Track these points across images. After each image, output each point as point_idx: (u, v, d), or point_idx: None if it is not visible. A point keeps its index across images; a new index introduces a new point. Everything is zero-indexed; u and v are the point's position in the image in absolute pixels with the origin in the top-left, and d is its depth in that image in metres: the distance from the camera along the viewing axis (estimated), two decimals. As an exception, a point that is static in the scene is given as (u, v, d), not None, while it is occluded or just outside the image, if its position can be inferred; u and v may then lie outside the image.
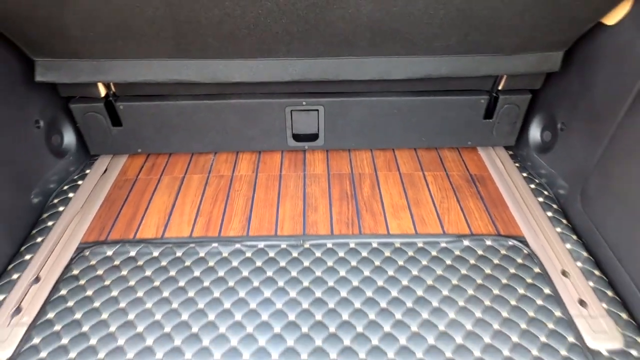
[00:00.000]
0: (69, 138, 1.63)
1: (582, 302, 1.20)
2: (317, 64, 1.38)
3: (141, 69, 1.38)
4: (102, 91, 1.53)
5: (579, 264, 1.31)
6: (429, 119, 1.65)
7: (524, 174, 1.65)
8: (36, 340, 1.10)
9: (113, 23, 1.19)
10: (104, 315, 1.16)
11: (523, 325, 1.14)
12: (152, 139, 1.66)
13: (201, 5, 1.12)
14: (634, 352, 1.09)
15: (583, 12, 1.20)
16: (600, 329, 1.13)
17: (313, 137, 1.69)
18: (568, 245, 1.36)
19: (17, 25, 1.21)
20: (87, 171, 1.66)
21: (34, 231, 1.41)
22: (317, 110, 1.61)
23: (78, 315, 1.16)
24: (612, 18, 1.25)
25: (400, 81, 1.48)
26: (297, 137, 1.68)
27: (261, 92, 1.56)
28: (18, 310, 1.17)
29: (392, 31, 1.22)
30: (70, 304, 1.19)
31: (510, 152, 1.76)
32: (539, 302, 1.19)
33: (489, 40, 1.30)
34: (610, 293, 1.22)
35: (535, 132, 1.66)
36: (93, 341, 1.10)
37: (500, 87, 1.57)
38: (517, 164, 1.70)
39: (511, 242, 1.37)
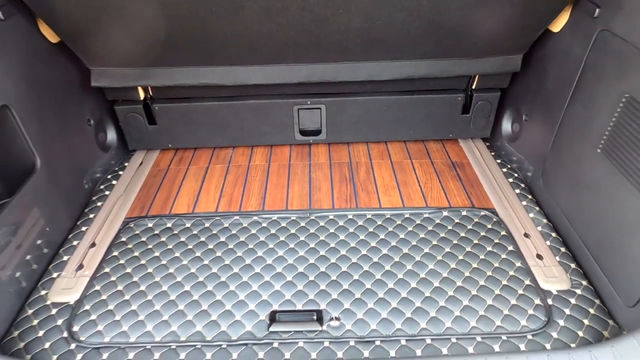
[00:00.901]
0: (111, 135, 1.94)
1: (539, 256, 1.46)
2: (319, 69, 1.68)
3: (176, 74, 1.68)
4: (142, 94, 1.83)
5: (539, 228, 1.57)
6: (415, 114, 1.93)
7: (498, 161, 1.93)
8: (97, 287, 1.38)
9: (157, 38, 1.49)
10: (150, 270, 1.43)
11: (489, 273, 1.40)
12: (181, 135, 1.96)
13: (226, 22, 1.42)
14: (577, 291, 1.34)
15: (531, 21, 1.49)
16: (552, 275, 1.39)
17: (317, 132, 1.98)
18: (531, 215, 1.63)
19: (80, 41, 1.52)
20: (126, 164, 1.96)
21: (86, 210, 1.70)
22: (320, 108, 1.91)
23: (129, 270, 1.44)
24: (557, 26, 1.54)
25: (389, 81, 1.77)
26: (303, 132, 1.98)
27: (273, 94, 1.86)
28: (80, 266, 1.45)
29: (378, 40, 1.52)
30: (122, 261, 1.47)
31: (487, 143, 2.04)
32: (503, 256, 1.46)
33: (459, 45, 1.60)
34: (563, 249, 1.48)
35: (506, 125, 1.94)
36: (142, 287, 1.37)
37: (473, 86, 1.86)
38: (492, 153, 1.98)
39: (483, 213, 1.63)
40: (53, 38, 1.53)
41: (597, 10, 1.34)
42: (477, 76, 1.82)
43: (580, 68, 1.42)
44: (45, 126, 1.49)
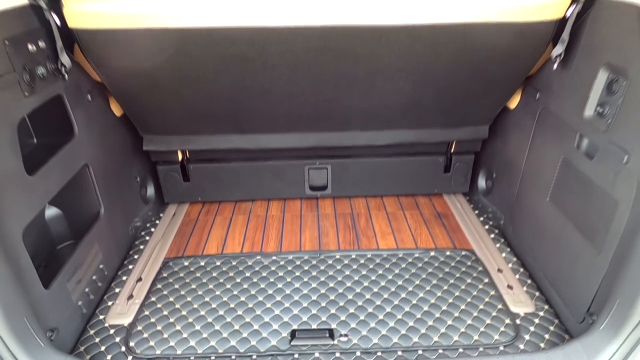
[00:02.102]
0: (151, 190, 2.30)
1: (509, 287, 1.77)
2: (326, 136, 2.09)
3: (210, 140, 2.08)
4: (180, 156, 2.22)
5: (510, 265, 1.90)
6: (406, 173, 2.32)
7: (476, 211, 2.29)
8: (146, 312, 1.66)
9: (198, 114, 1.91)
10: (189, 298, 1.73)
11: (468, 299, 1.70)
12: (209, 190, 2.32)
13: (255, 101, 1.84)
14: (540, 313, 1.64)
15: (491, 101, 1.93)
16: (519, 300, 1.70)
17: (323, 187, 2.36)
18: (503, 254, 1.96)
19: (138, 115, 1.93)
20: (161, 215, 2.30)
21: (131, 252, 2.01)
22: (326, 168, 2.30)
23: (171, 299, 1.73)
24: (512, 104, 1.98)
25: (383, 146, 2.17)
26: (312, 188, 2.35)
27: (287, 156, 2.25)
28: (131, 296, 1.75)
29: (373, 114, 1.94)
30: (165, 292, 1.76)
31: (467, 197, 2.41)
32: (480, 286, 1.77)
33: (437, 118, 2.02)
34: (529, 281, 1.80)
35: (481, 181, 2.33)
36: (184, 312, 1.66)
37: (452, 150, 2.27)
38: (471, 205, 2.35)
39: (464, 253, 1.97)
40: (118, 112, 1.95)
41: (538, 93, 1.78)
42: (454, 142, 2.23)
43: (530, 136, 1.83)
44: (109, 181, 1.85)
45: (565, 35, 1.50)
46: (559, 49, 1.52)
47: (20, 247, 1.28)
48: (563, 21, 1.50)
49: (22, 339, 1.21)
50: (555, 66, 1.58)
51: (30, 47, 1.37)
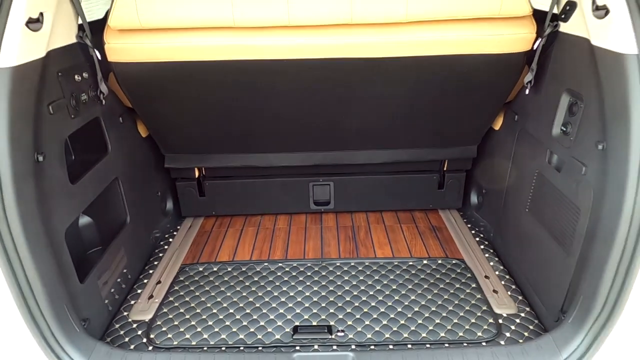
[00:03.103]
0: (169, 205, 2.53)
1: (495, 291, 1.93)
2: (329, 155, 2.30)
3: (225, 159, 2.31)
4: (197, 173, 2.46)
5: (497, 272, 2.06)
6: (403, 190, 2.52)
7: (469, 225, 2.46)
8: (165, 310, 1.86)
9: (214, 135, 2.15)
10: (203, 299, 1.92)
11: (456, 302, 1.87)
12: (222, 205, 2.54)
13: (267, 125, 2.08)
14: (522, 314, 1.80)
15: (477, 124, 2.14)
16: (503, 303, 1.85)
17: (327, 203, 2.56)
18: (491, 263, 2.12)
19: (162, 136, 2.18)
20: (178, 227, 2.52)
21: (151, 259, 2.23)
22: (329, 185, 2.51)
23: (187, 299, 1.93)
24: (497, 126, 2.18)
25: (381, 164, 2.38)
26: (316, 203, 2.56)
27: (293, 173, 2.47)
28: (151, 296, 1.95)
29: (371, 135, 2.16)
30: (182, 293, 1.96)
31: (461, 212, 2.59)
32: (467, 290, 1.93)
33: (429, 139, 2.23)
34: (513, 287, 1.96)
35: (473, 197, 2.51)
36: (198, 310, 1.85)
37: (445, 168, 2.47)
38: (465, 220, 2.52)
39: (454, 261, 2.13)
40: (144, 133, 2.20)
41: (516, 116, 1.98)
42: (446, 161, 2.43)
43: (512, 155, 2.03)
44: (134, 194, 2.08)
45: (534, 65, 1.72)
46: (529, 77, 1.74)
47: (62, 244, 1.51)
48: (532, 52, 1.72)
49: (62, 323, 1.42)
50: (527, 91, 1.79)
51: (77, 77, 1.63)
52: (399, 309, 1.83)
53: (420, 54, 1.70)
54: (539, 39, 1.68)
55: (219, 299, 1.92)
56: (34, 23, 1.31)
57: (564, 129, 1.61)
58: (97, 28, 1.74)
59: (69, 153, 2.02)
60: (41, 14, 1.35)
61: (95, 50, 1.69)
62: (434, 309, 1.83)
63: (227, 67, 1.72)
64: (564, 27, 1.60)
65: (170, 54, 1.68)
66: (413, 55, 1.70)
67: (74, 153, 1.94)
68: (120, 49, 1.67)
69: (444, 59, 1.72)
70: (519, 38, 1.67)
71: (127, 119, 2.06)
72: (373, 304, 1.87)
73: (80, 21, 1.63)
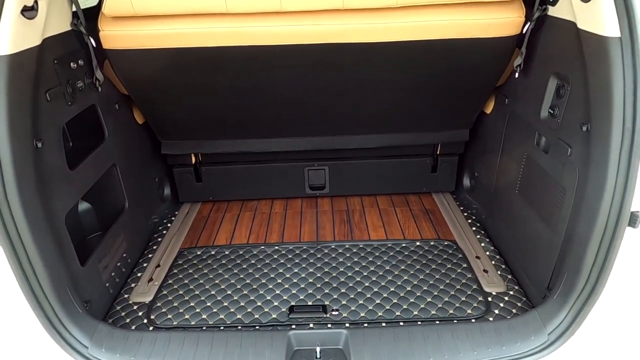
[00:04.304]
0: (167, 191, 2.57)
1: (485, 271, 1.99)
2: (323, 140, 2.34)
3: (220, 145, 2.34)
4: (193, 159, 2.49)
5: (487, 253, 2.11)
6: (396, 173, 2.56)
7: (461, 208, 2.51)
8: (164, 292, 1.91)
9: (210, 121, 2.18)
10: (201, 281, 1.97)
11: (447, 281, 1.92)
12: (219, 191, 2.58)
13: (261, 109, 2.11)
14: (511, 292, 1.86)
15: (468, 107, 2.17)
16: (492, 282, 1.91)
17: (322, 187, 2.60)
18: (482, 244, 2.18)
19: (158, 123, 2.21)
20: (176, 212, 2.56)
21: (149, 243, 2.27)
22: (324, 169, 2.55)
23: (186, 281, 1.98)
24: (488, 110, 2.22)
25: (375, 149, 2.41)
26: (312, 187, 2.60)
27: (289, 159, 2.50)
28: (151, 279, 2.00)
29: (364, 120, 2.19)
30: (180, 276, 2.01)
31: (454, 195, 2.64)
32: (458, 270, 1.99)
33: (422, 122, 2.26)
34: (503, 266, 2.02)
35: (466, 180, 2.56)
36: (197, 292, 1.91)
37: (438, 152, 2.51)
38: (457, 203, 2.57)
39: (446, 243, 2.19)
40: (140, 120, 2.23)
41: (507, 99, 2.02)
42: (439, 145, 2.47)
43: (502, 137, 2.07)
44: (132, 180, 2.12)
45: (523, 48, 1.74)
46: (519, 60, 1.77)
47: (63, 228, 1.55)
48: (521, 36, 1.75)
49: (64, 304, 1.46)
50: (517, 75, 1.82)
51: (72, 65, 1.65)
52: (392, 289, 1.89)
53: (411, 38, 1.72)
54: (528, 23, 1.70)
55: (217, 281, 1.97)
56: (29, 11, 1.33)
57: (552, 112, 1.64)
58: (91, 15, 1.76)
59: (66, 140, 2.05)
60: (36, 1, 1.37)
61: (90, 37, 1.70)
62: (425, 288, 1.89)
63: (221, 54, 1.74)
64: (552, 11, 1.63)
65: (164, 40, 1.70)
66: (405, 40, 1.73)
67: (72, 140, 1.97)
68: (114, 36, 1.69)
69: (435, 44, 1.74)
70: (509, 22, 1.69)
71: (123, 106, 2.08)
72: (367, 284, 1.92)
73: (74, 8, 1.65)
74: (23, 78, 1.35)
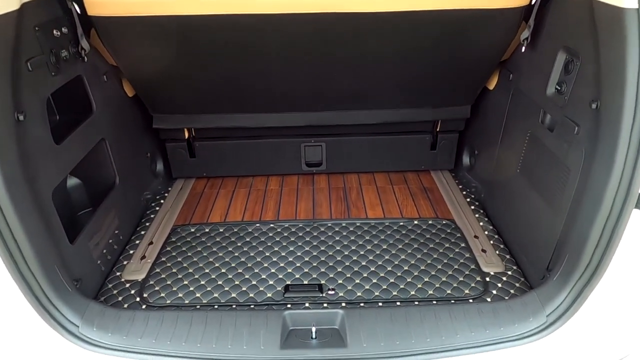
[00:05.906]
0: (160, 166, 2.51)
1: (483, 250, 1.96)
2: (320, 115, 2.27)
3: (214, 119, 2.27)
4: (186, 134, 2.42)
5: (486, 232, 2.08)
6: (395, 151, 2.50)
7: (460, 186, 2.47)
8: (157, 270, 1.88)
9: (204, 94, 2.10)
10: (195, 259, 1.93)
11: (445, 260, 1.90)
12: (213, 166, 2.52)
13: (256, 81, 2.02)
14: (509, 273, 1.83)
15: (470, 83, 2.09)
16: (491, 262, 1.89)
17: (318, 164, 2.54)
18: (481, 223, 2.14)
19: (149, 95, 2.13)
20: (170, 188, 2.51)
21: (142, 220, 2.22)
22: (321, 146, 2.49)
23: (179, 259, 1.94)
24: (491, 85, 2.15)
25: (374, 125, 2.35)
26: (308, 164, 2.54)
27: (285, 134, 2.44)
28: (144, 257, 1.96)
29: (363, 94, 2.12)
30: (174, 253, 1.97)
31: (453, 174, 2.59)
32: (457, 250, 1.96)
33: (423, 98, 2.19)
34: (502, 246, 1.99)
35: (465, 158, 2.51)
36: (190, 270, 1.87)
37: (437, 129, 2.44)
38: (456, 181, 2.53)
39: (445, 222, 2.15)
40: (130, 93, 2.14)
41: (511, 75, 1.94)
42: (439, 121, 2.41)
43: (505, 114, 2.00)
44: (122, 155, 2.05)
45: (531, 21, 1.66)
46: (526, 33, 1.69)
47: (50, 205, 1.49)
48: (530, 8, 1.66)
49: (53, 283, 1.42)
50: (523, 49, 1.74)
51: (55, 32, 1.56)
52: (389, 268, 1.86)
53: (415, 8, 1.63)
54: (538, -7, 1.62)
55: (211, 259, 1.93)
56: (4, -28, 1.24)
57: (559, 88, 1.58)
58: (75, -21, 1.66)
59: (53, 113, 1.97)
60: (11, -38, 1.27)
61: (74, 3, 1.60)
62: (423, 267, 1.86)
63: (213, 22, 1.65)
64: (563, -19, 1.54)
65: (152, 7, 1.60)
66: (407, 10, 1.64)
67: (58, 113, 1.89)
68: (100, 1, 1.59)
69: (439, 14, 1.66)
70: (517, -8, 1.61)
71: (112, 78, 1.99)
72: (363, 263, 1.89)
73: (55, -29, 1.55)
74: (0, 45, 1.27)
